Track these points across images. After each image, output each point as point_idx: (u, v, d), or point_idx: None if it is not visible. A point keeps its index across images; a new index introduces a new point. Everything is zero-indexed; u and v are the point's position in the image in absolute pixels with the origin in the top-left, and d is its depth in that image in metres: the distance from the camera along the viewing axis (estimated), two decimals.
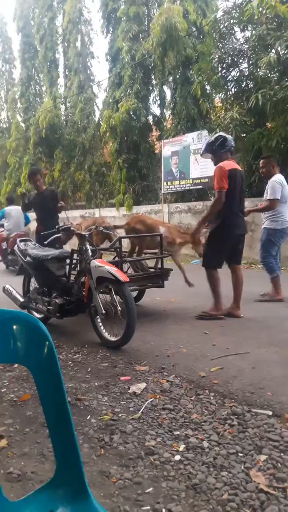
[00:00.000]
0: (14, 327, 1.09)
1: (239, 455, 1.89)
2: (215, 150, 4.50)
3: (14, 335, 1.09)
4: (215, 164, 4.49)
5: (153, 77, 13.86)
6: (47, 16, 17.25)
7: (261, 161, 5.50)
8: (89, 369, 3.08)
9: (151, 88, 14.22)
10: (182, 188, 11.77)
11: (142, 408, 2.37)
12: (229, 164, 4.37)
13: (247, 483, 1.68)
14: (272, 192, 5.05)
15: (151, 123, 14.42)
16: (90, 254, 3.82)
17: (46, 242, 4.25)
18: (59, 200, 5.93)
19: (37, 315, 4.32)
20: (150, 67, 13.39)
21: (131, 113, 13.21)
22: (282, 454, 1.88)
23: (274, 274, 5.21)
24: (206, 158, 5.05)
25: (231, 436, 2.06)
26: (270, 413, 2.26)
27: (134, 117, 13.37)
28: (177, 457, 1.88)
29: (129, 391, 2.62)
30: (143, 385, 2.69)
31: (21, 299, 4.30)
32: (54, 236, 4.23)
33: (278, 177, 5.15)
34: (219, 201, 4.27)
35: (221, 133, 4.65)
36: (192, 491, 1.66)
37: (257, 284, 5.64)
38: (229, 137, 4.53)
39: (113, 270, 3.53)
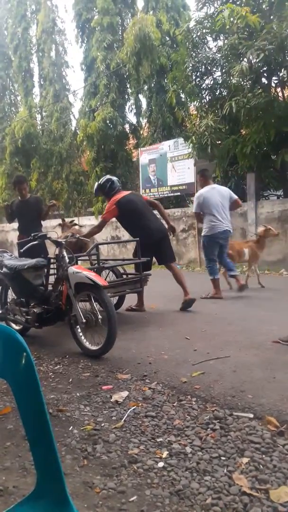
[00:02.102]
0: None
1: (221, 459, 1.91)
2: (107, 193, 5.20)
3: None
4: (108, 201, 5.21)
5: (128, 86, 13.99)
6: (21, 26, 17.25)
7: (198, 176, 6.40)
8: (71, 379, 3.05)
9: (126, 97, 14.36)
10: (161, 195, 11.86)
11: (125, 416, 2.36)
12: (118, 195, 5.07)
13: (230, 486, 1.70)
14: (193, 207, 5.91)
15: (128, 132, 14.53)
16: (67, 261, 3.80)
17: (21, 250, 4.21)
18: (43, 208, 5.84)
19: (16, 327, 4.26)
20: (125, 76, 13.52)
21: (108, 121, 13.28)
22: (263, 456, 1.90)
23: (213, 277, 5.81)
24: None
25: (213, 440, 2.07)
26: (251, 415, 2.28)
27: (111, 126, 13.44)
28: (161, 464, 1.88)
29: (111, 400, 2.61)
30: (125, 394, 2.68)
31: None
32: (30, 244, 4.19)
33: (201, 191, 5.92)
34: (99, 227, 5.15)
35: (108, 177, 5.31)
36: (176, 497, 1.66)
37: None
38: (115, 179, 5.26)
39: (92, 275, 3.52)
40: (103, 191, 5.23)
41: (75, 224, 6.28)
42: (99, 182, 5.34)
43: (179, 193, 11.47)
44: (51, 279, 4.23)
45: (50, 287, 4.10)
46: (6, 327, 1.09)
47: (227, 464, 1.86)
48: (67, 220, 6.89)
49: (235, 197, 5.98)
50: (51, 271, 4.33)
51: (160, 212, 5.45)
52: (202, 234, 5.91)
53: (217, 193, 5.84)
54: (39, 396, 1.05)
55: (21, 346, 1.05)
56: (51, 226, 6.83)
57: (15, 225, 6.05)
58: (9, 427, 2.33)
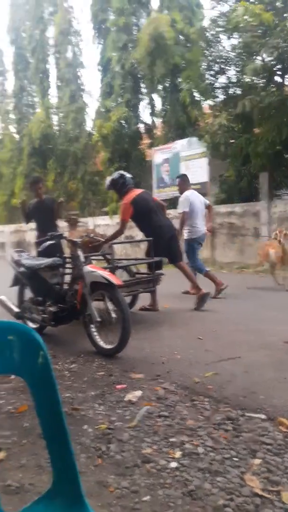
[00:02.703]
0: (8, 337, 1.11)
1: (234, 459, 1.92)
2: (119, 190, 5.26)
3: (8, 345, 1.11)
4: (120, 198, 5.34)
5: (142, 85, 14.01)
6: (38, 28, 17.45)
7: (177, 180, 6.63)
8: (85, 378, 3.09)
9: (141, 97, 14.37)
10: (174, 195, 11.84)
11: (138, 416, 2.39)
12: (132, 194, 5.12)
13: (242, 488, 1.71)
14: (181, 206, 5.96)
15: (142, 131, 14.54)
16: (83, 260, 3.85)
17: (39, 250, 4.28)
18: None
19: (32, 325, 4.33)
20: (139, 76, 13.54)
21: (122, 121, 13.32)
22: (275, 457, 1.91)
23: (205, 271, 5.97)
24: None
25: (226, 441, 2.08)
26: (264, 416, 2.28)
27: (125, 126, 13.48)
28: (173, 464, 1.90)
29: (125, 399, 2.64)
30: (138, 393, 2.71)
31: (16, 310, 4.31)
32: (48, 243, 4.26)
33: (187, 193, 6.04)
34: (121, 230, 5.20)
35: (121, 173, 5.34)
36: (188, 497, 1.68)
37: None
38: (128, 175, 5.27)
39: (106, 274, 3.56)
40: (115, 187, 5.29)
41: (76, 219, 6.31)
42: (112, 177, 5.40)
43: None
44: (67, 278, 4.29)
45: (65, 286, 4.16)
46: (24, 326, 1.13)
47: (239, 465, 1.87)
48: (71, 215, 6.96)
49: (208, 202, 6.33)
50: (67, 270, 4.39)
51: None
52: (186, 237, 6.05)
53: (197, 198, 6.13)
54: (55, 395, 1.08)
55: (38, 345, 1.08)
56: (65, 226, 6.91)
57: (33, 225, 6.13)
58: (25, 425, 2.38)
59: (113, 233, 5.31)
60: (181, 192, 6.24)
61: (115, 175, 5.36)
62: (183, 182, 6.37)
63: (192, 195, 6.07)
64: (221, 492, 1.70)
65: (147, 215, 5.11)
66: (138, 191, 5.24)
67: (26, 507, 1.09)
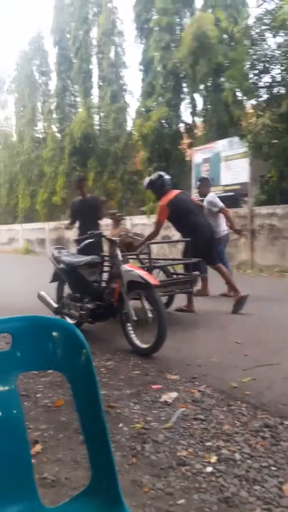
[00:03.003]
0: (53, 334, 1.13)
1: (272, 468, 1.86)
2: (157, 191, 5.28)
3: (52, 342, 1.13)
4: (158, 199, 5.37)
5: (184, 85, 13.93)
6: (82, 29, 17.74)
7: (198, 183, 6.78)
8: (121, 376, 3.10)
9: (182, 96, 14.30)
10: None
11: (174, 417, 2.37)
12: (169, 195, 5.10)
13: (280, 498, 1.65)
14: (216, 204, 5.78)
15: (182, 131, 14.48)
16: (120, 259, 3.87)
17: (78, 247, 4.35)
18: (101, 207, 5.92)
19: (70, 321, 4.39)
20: (181, 76, 13.47)
21: (163, 121, 13.32)
22: None
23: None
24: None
25: (263, 448, 2.02)
26: None
27: (166, 126, 13.47)
28: (209, 469, 1.87)
29: (160, 400, 2.63)
30: (174, 394, 2.69)
31: (55, 305, 4.41)
32: (87, 241, 4.32)
33: (211, 194, 6.14)
34: (156, 231, 5.28)
35: (160, 174, 5.30)
36: (224, 504, 1.64)
37: None
38: (166, 177, 5.24)
39: (144, 274, 3.57)
40: (153, 187, 5.30)
41: (120, 216, 6.26)
42: (151, 177, 5.42)
43: (232, 193, 11.26)
44: (105, 276, 4.33)
45: (103, 284, 4.20)
46: (68, 323, 1.14)
47: (277, 474, 1.81)
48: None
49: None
50: (105, 269, 4.43)
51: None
52: (225, 232, 6.02)
53: None
54: (96, 393, 1.09)
55: (81, 342, 1.09)
56: (105, 225, 6.95)
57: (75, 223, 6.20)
58: (62, 419, 2.41)
59: (148, 234, 5.33)
60: (203, 195, 6.26)
61: (154, 176, 5.37)
62: (204, 185, 6.43)
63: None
64: (258, 501, 1.65)
65: (184, 216, 5.07)
66: (175, 192, 5.21)
67: (64, 502, 1.10)
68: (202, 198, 6.24)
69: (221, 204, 5.81)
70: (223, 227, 5.95)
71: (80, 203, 5.95)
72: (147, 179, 5.51)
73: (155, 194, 5.46)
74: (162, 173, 5.40)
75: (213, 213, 5.78)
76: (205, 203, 5.95)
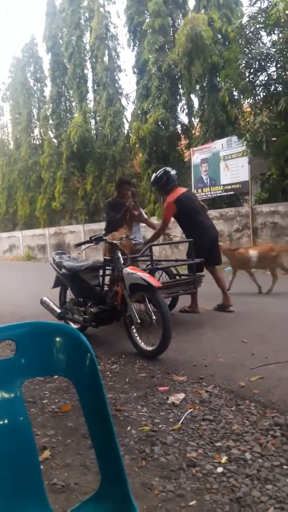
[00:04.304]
0: (57, 339, 1.12)
1: (284, 467, 1.84)
2: (163, 187, 5.17)
3: (57, 347, 1.12)
4: (164, 195, 5.27)
5: (180, 86, 13.94)
6: (75, 34, 17.76)
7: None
8: (127, 379, 3.09)
9: (178, 98, 14.32)
10: (213, 195, 11.71)
11: (182, 419, 2.35)
12: (176, 192, 5.04)
13: None
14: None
15: (180, 132, 14.48)
16: (122, 262, 3.86)
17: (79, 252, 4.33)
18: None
19: (74, 326, 4.39)
20: (176, 77, 13.48)
21: (160, 123, 13.32)
22: None
23: None
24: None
25: (274, 447, 2.00)
26: None
27: (163, 127, 13.48)
28: (220, 469, 1.85)
29: (168, 402, 2.61)
30: (181, 396, 2.67)
31: (58, 310, 4.40)
32: (88, 245, 4.31)
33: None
34: (162, 229, 5.26)
35: (166, 170, 5.18)
36: (236, 504, 1.62)
37: None
38: (172, 173, 5.14)
39: (146, 276, 3.55)
40: (159, 184, 5.21)
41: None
42: (156, 174, 5.31)
43: (232, 192, 11.25)
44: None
45: (106, 288, 4.19)
46: (71, 328, 1.13)
47: None
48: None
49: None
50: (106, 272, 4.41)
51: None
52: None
53: None
54: (102, 397, 1.08)
55: (85, 347, 1.08)
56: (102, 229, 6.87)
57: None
58: (69, 424, 2.40)
59: (154, 233, 5.28)
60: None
61: (159, 172, 5.26)
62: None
63: None
64: (271, 500, 1.63)
65: (191, 214, 5.02)
66: (182, 190, 5.16)
67: (75, 507, 1.08)
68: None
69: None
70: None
71: (113, 203, 5.54)
72: (153, 177, 5.37)
73: (161, 190, 5.33)
74: (168, 168, 5.30)
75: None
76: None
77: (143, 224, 6.10)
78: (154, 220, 13.22)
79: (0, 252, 24.24)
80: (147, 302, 3.63)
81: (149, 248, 4.53)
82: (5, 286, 9.77)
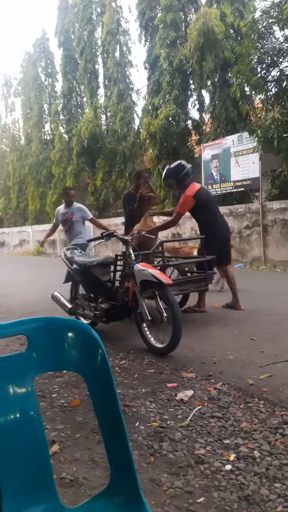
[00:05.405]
0: (69, 335, 1.13)
1: None
2: (181, 180, 4.95)
3: (68, 343, 1.12)
4: (179, 189, 5.08)
5: (191, 82, 13.86)
6: (87, 29, 17.74)
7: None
8: (136, 375, 3.10)
9: (189, 93, 14.24)
10: (223, 191, 11.64)
11: (190, 415, 2.36)
12: (194, 187, 4.91)
13: None
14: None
15: (190, 128, 14.41)
16: (133, 258, 3.86)
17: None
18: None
19: (84, 321, 4.41)
20: (188, 72, 13.40)
21: (170, 119, 13.26)
22: None
23: None
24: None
25: (283, 446, 2.00)
26: None
27: (173, 123, 13.41)
28: (228, 467, 1.85)
29: (176, 398, 2.61)
30: (190, 392, 2.68)
31: (69, 306, 4.43)
32: (99, 241, 4.32)
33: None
34: (174, 221, 5.05)
35: (182, 163, 5.02)
36: (244, 502, 1.62)
37: None
38: (189, 166, 4.99)
39: (156, 273, 3.54)
40: (175, 177, 4.99)
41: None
42: (171, 167, 5.06)
43: (242, 189, 11.18)
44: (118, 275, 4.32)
45: (117, 284, 4.20)
46: (83, 324, 1.13)
47: None
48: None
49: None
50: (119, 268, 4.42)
51: None
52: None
53: None
54: (113, 392, 1.08)
55: (97, 343, 1.09)
56: (114, 224, 6.93)
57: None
58: (78, 419, 2.41)
59: (165, 222, 5.20)
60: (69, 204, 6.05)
61: (174, 164, 5.06)
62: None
63: None
64: (279, 498, 1.63)
65: (210, 209, 4.95)
66: (199, 185, 5.09)
67: (85, 502, 1.09)
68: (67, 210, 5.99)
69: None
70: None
71: (131, 196, 5.57)
72: (166, 170, 5.12)
73: (176, 184, 5.09)
74: (183, 162, 5.13)
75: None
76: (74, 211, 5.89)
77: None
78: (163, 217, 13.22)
79: (11, 247, 24.41)
80: (158, 299, 3.63)
81: (160, 245, 4.53)
82: (16, 280, 9.84)
